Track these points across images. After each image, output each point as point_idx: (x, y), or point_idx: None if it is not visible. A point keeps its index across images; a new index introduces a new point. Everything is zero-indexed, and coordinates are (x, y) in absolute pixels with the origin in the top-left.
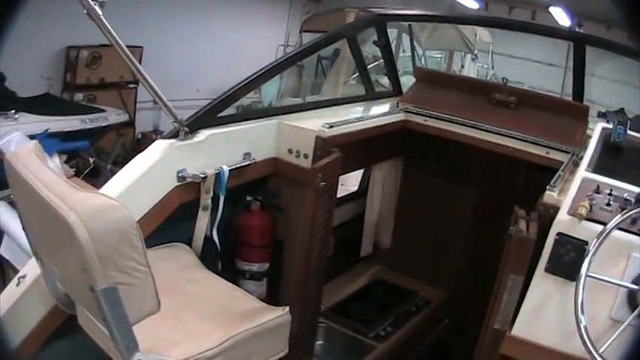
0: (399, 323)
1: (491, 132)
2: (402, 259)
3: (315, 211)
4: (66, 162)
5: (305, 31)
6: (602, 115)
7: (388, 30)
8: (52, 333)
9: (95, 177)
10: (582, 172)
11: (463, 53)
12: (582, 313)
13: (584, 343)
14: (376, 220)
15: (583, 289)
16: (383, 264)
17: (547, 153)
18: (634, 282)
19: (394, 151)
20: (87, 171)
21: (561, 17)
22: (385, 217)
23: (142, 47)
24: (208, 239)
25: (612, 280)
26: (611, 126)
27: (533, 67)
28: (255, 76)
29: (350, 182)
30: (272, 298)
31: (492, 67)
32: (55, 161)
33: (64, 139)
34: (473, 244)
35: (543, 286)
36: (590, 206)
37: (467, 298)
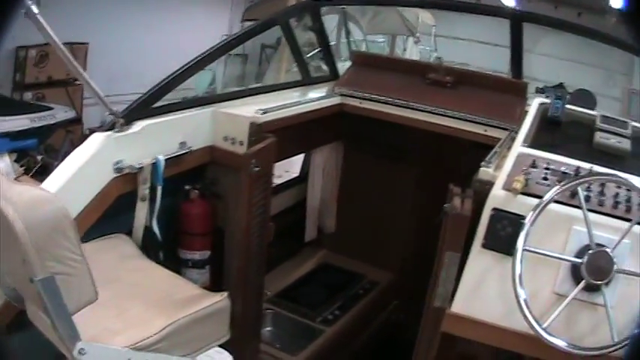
0: (346, 306)
1: (427, 112)
2: (348, 242)
3: (251, 197)
4: (16, 161)
5: (246, 20)
6: (540, 91)
7: (331, 16)
8: (6, 329)
9: (44, 174)
10: (518, 148)
11: (406, 37)
12: (521, 286)
13: (525, 317)
14: (319, 204)
15: (520, 262)
16: (328, 248)
17: (485, 131)
18: (577, 255)
19: (333, 136)
20: (36, 169)
21: None
22: (328, 202)
23: (87, 44)
24: (149, 229)
25: (551, 254)
26: (548, 101)
27: (479, 48)
28: (187, 66)
29: (295, 169)
30: (215, 286)
31: (435, 50)
32: (5, 160)
33: (14, 138)
34: (417, 224)
35: (481, 261)
36: (526, 181)
37: (414, 278)
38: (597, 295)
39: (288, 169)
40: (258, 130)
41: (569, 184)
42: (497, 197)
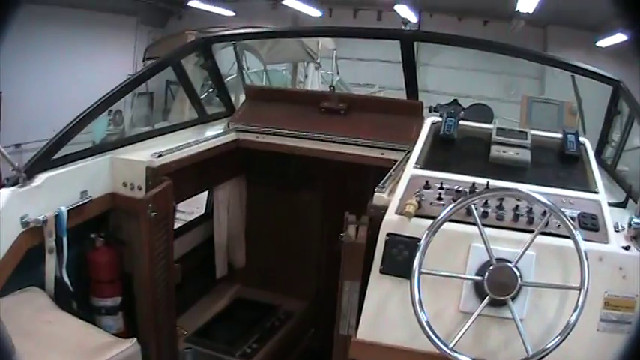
0: (264, 338)
1: (322, 141)
2: (260, 274)
3: (151, 242)
4: None
5: (148, 59)
6: (434, 110)
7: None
8: None
9: None
10: (410, 170)
11: (306, 63)
12: (422, 309)
13: (430, 338)
14: (226, 240)
15: (418, 285)
16: (241, 282)
17: (382, 154)
18: (478, 272)
19: (234, 171)
20: None
21: (408, 14)
22: (235, 237)
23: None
24: (60, 280)
25: (448, 274)
26: (441, 119)
27: (382, 67)
28: (83, 114)
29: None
30: (130, 331)
31: (338, 73)
32: None
33: None
34: (327, 252)
35: (381, 287)
36: (419, 203)
37: (329, 305)
38: (506, 310)
39: (199, 205)
40: (154, 174)
41: (463, 203)
42: (391, 222)
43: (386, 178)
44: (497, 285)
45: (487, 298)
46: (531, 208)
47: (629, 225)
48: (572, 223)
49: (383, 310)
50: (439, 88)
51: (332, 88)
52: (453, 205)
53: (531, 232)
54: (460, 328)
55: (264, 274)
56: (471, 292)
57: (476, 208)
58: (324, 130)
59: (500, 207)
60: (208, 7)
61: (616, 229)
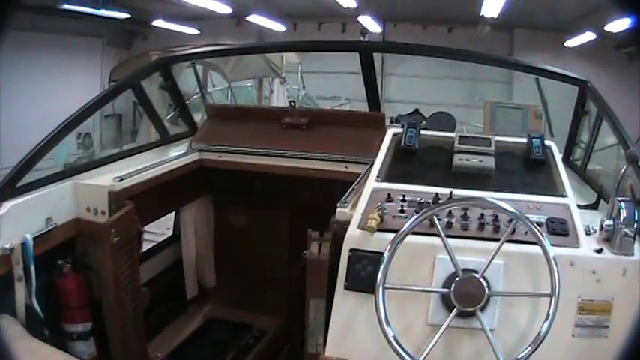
0: (239, 357)
1: (285, 157)
2: (231, 293)
3: (116, 267)
4: None
5: (114, 81)
6: (395, 121)
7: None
8: None
9: None
10: (372, 183)
11: (272, 78)
12: (388, 325)
13: (398, 353)
14: (195, 261)
15: (383, 300)
16: (212, 302)
17: (346, 167)
18: (445, 284)
19: (200, 191)
20: None
21: (371, 25)
22: (204, 257)
23: None
24: (31, 307)
25: (413, 287)
26: (401, 130)
27: (348, 79)
28: (47, 139)
29: None
30: (102, 356)
31: (303, 87)
32: None
33: None
34: (296, 268)
35: (347, 304)
36: (382, 217)
37: (302, 321)
38: (476, 320)
39: (170, 225)
40: (116, 199)
41: (425, 215)
42: (354, 237)
43: (348, 192)
44: (465, 296)
45: (455, 309)
46: (497, 217)
47: (601, 227)
48: (539, 229)
49: (350, 327)
50: (405, 98)
51: (292, 103)
52: (415, 217)
53: (498, 240)
54: (429, 342)
55: (235, 292)
56: (439, 305)
57: (439, 219)
58: (286, 147)
59: (464, 217)
60: (173, 27)
61: (587, 232)
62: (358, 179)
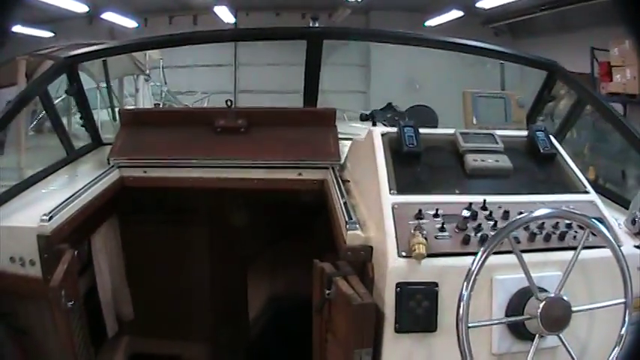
0: None
1: (223, 167)
2: (152, 324)
3: (71, 335)
4: None
5: None
6: (366, 118)
7: None
8: None
9: None
10: (387, 197)
11: (136, 76)
12: None
13: None
14: (111, 293)
15: (468, 342)
16: (134, 335)
17: (300, 175)
18: (515, 308)
19: (107, 211)
20: None
21: (226, 15)
22: (119, 287)
23: None
24: None
25: (501, 321)
26: (391, 130)
27: (203, 72)
28: None
29: None
30: None
31: (165, 83)
32: None
33: None
34: (220, 288)
35: (399, 349)
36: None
37: (231, 345)
38: (543, 341)
39: None
40: (49, 244)
41: (502, 235)
42: (400, 269)
43: (343, 208)
44: (552, 320)
45: (537, 336)
46: (543, 224)
47: (633, 221)
48: (609, 235)
49: None
50: (258, 88)
51: (229, 102)
52: (489, 241)
53: (546, 250)
54: None
55: (156, 322)
56: (504, 332)
57: (484, 235)
58: (223, 155)
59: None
60: (27, 31)
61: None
62: (338, 190)
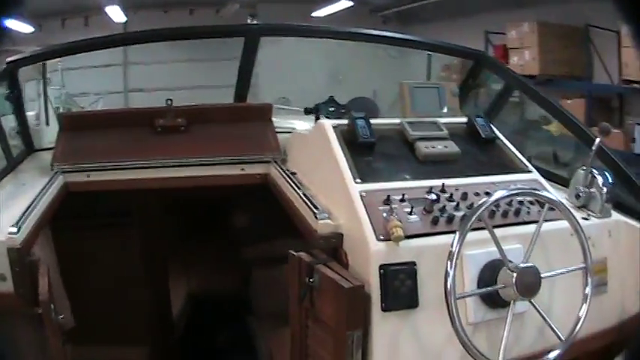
0: None
1: (165, 167)
2: (91, 330)
3: (65, 354)
4: None
5: None
6: (310, 111)
7: None
8: None
9: None
10: (353, 186)
11: (38, 80)
12: (465, 335)
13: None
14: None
15: (457, 312)
16: (74, 343)
17: (242, 170)
18: (487, 279)
19: (51, 219)
20: None
21: (117, 15)
22: (57, 297)
23: None
24: None
25: (478, 291)
26: (341, 122)
27: (92, 73)
28: None
29: None
30: None
31: (64, 86)
32: None
33: None
34: (150, 290)
35: (387, 326)
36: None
37: (166, 345)
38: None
39: None
40: (20, 257)
41: (478, 212)
42: (381, 252)
43: (303, 198)
44: (525, 287)
45: (512, 302)
46: (498, 203)
47: (577, 196)
48: (569, 209)
49: (395, 350)
50: (149, 85)
51: (169, 101)
52: (467, 217)
53: (506, 225)
54: (480, 340)
55: (94, 329)
56: (478, 302)
57: (450, 215)
58: (165, 154)
59: (471, 207)
60: None
61: None
62: (293, 182)
